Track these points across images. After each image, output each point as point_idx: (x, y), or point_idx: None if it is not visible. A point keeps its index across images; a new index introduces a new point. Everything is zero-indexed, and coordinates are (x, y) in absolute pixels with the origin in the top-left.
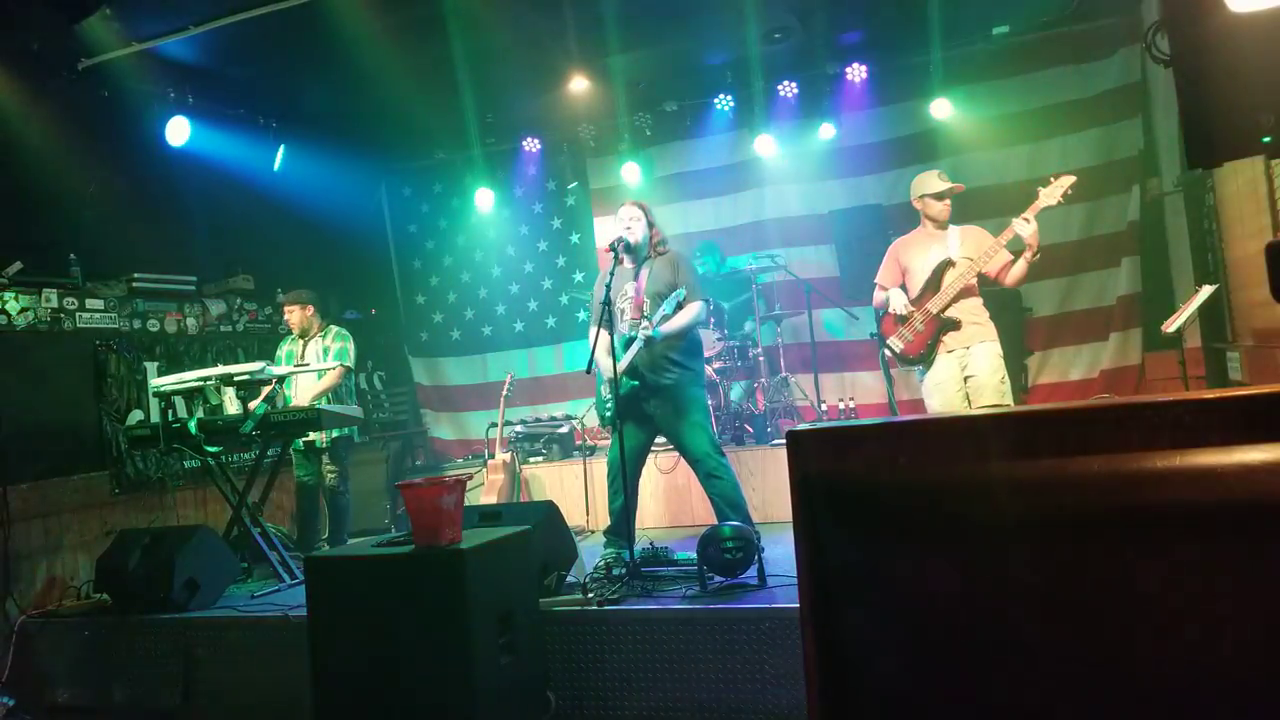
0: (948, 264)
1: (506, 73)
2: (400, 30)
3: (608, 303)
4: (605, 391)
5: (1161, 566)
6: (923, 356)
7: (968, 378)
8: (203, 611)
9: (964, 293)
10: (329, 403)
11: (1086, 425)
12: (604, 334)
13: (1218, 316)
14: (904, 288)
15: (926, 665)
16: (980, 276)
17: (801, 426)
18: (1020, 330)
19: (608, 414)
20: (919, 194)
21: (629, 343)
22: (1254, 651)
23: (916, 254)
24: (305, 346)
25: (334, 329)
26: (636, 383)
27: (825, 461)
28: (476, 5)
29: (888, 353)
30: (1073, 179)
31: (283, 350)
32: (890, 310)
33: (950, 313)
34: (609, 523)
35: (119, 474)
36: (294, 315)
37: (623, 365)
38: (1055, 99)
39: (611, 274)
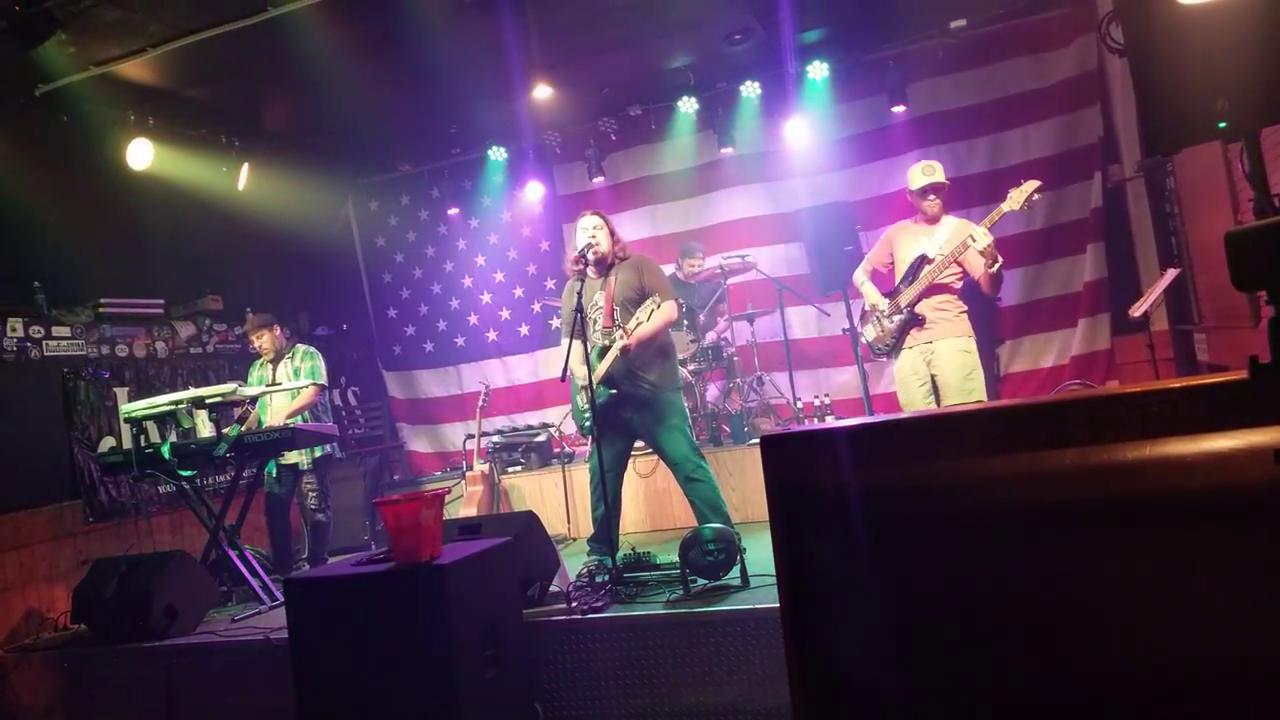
0: (924, 260)
1: (469, 82)
2: (360, 44)
3: (579, 310)
4: (582, 401)
5: (1137, 556)
6: (890, 348)
7: (933, 375)
8: (183, 638)
9: (937, 288)
10: (304, 422)
11: (1058, 419)
12: (577, 343)
13: (1183, 299)
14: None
15: (907, 662)
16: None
17: (775, 430)
18: (990, 320)
19: (586, 424)
20: (908, 189)
21: (604, 352)
22: (1230, 635)
23: (905, 243)
24: (276, 369)
25: (302, 348)
26: (614, 391)
27: (800, 465)
28: (436, 16)
29: (863, 341)
30: (1037, 184)
31: (254, 375)
32: (865, 303)
33: (919, 308)
34: (592, 531)
35: (92, 502)
36: (264, 340)
37: (599, 374)
38: (1015, 89)
39: (581, 282)
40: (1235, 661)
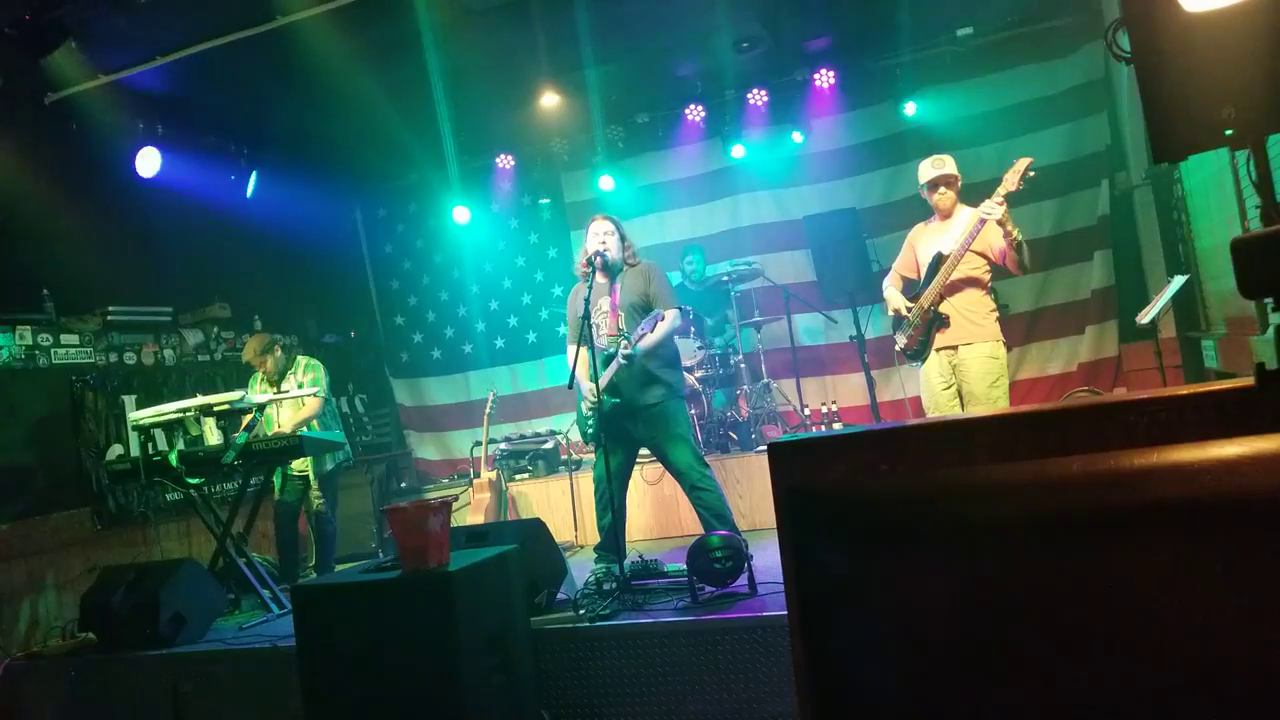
0: (940, 258)
1: (478, 90)
2: (369, 51)
3: (586, 317)
4: (586, 408)
5: (1143, 564)
6: (918, 353)
7: (961, 383)
8: (190, 646)
9: (960, 285)
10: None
11: (1064, 426)
12: (583, 350)
13: (1191, 306)
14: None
15: (915, 669)
16: (994, 264)
17: (782, 438)
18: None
19: (589, 431)
20: (920, 183)
21: (609, 359)
22: (1239, 642)
23: (924, 244)
24: (279, 384)
25: (303, 361)
26: (617, 400)
27: (807, 472)
28: (446, 23)
29: (896, 348)
30: (1029, 160)
31: (253, 388)
32: (889, 309)
33: (943, 307)
34: (599, 539)
35: (100, 510)
36: (267, 364)
37: (603, 382)
38: (1022, 97)
39: (589, 288)
40: (1244, 668)
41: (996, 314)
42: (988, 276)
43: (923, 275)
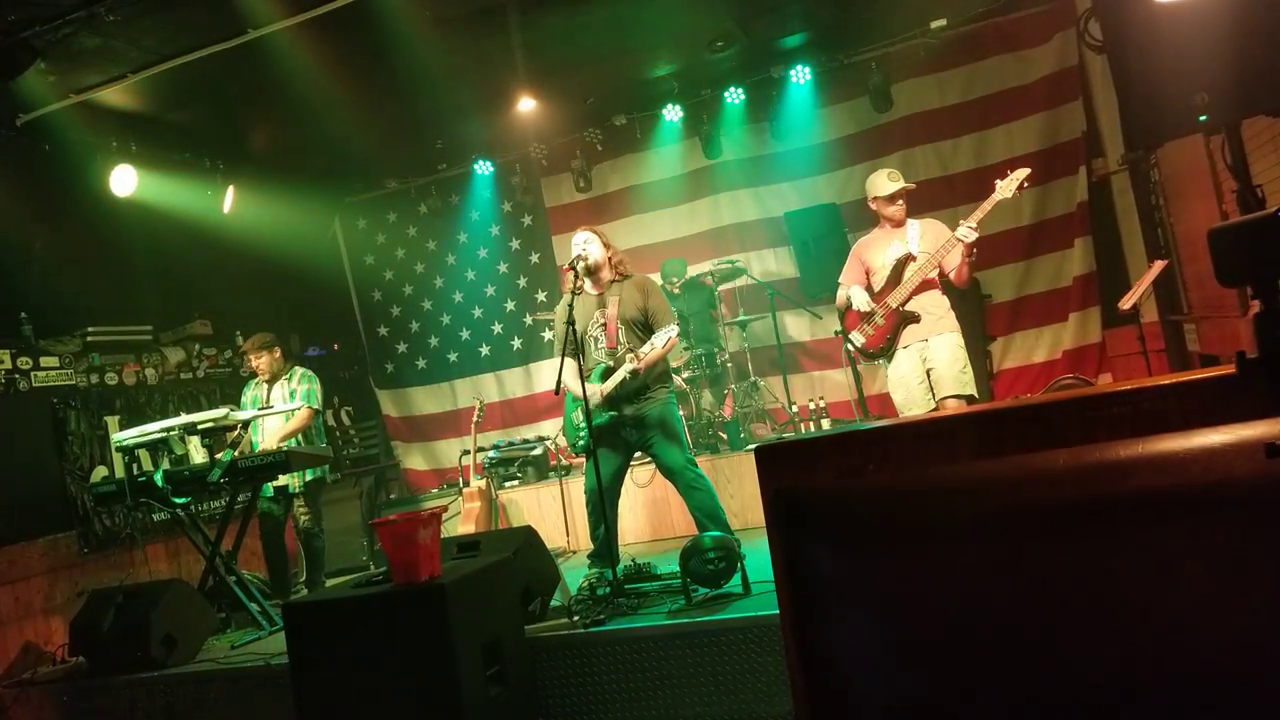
0: (908, 258)
1: (453, 97)
2: (342, 61)
3: (571, 323)
4: (577, 419)
5: (1132, 555)
6: (883, 350)
7: (929, 370)
8: (182, 667)
9: (924, 286)
10: (297, 444)
11: (1050, 420)
12: (570, 360)
13: (1172, 290)
14: (869, 287)
15: (909, 668)
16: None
17: (769, 438)
18: (981, 317)
19: (580, 443)
20: (871, 196)
21: (606, 372)
22: (1227, 629)
23: (877, 252)
24: (270, 389)
25: (299, 370)
26: (614, 412)
27: (795, 474)
28: (419, 32)
29: (850, 347)
30: (1027, 171)
31: (248, 395)
32: (853, 307)
33: (910, 306)
34: (592, 548)
35: (87, 533)
36: (262, 361)
37: (604, 390)
38: (997, 87)
39: (574, 295)
40: (1232, 655)
41: (951, 310)
42: (941, 278)
43: (882, 278)
